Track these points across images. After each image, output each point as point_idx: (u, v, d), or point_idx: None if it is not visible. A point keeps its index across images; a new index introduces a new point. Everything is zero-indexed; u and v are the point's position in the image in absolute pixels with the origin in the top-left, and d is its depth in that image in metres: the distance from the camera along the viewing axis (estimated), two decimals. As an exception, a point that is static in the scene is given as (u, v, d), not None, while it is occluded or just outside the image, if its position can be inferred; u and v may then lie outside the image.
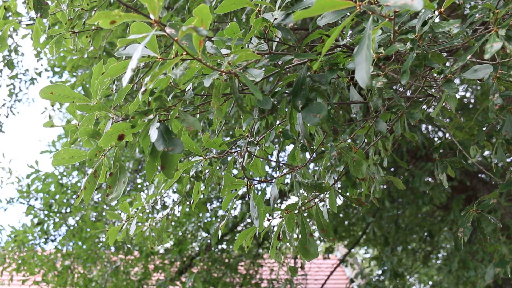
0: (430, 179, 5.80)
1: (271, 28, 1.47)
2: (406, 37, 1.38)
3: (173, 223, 5.88)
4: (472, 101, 6.61)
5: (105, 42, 3.28)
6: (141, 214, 2.25)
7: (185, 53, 1.09)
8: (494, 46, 1.23)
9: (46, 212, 6.30)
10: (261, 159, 1.89)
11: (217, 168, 1.90)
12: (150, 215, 2.37)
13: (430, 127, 6.46)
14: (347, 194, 2.00)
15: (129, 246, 5.91)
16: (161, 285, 5.86)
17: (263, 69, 1.37)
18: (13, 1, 2.49)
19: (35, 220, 6.30)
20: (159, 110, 1.34)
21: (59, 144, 6.75)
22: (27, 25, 2.69)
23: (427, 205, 6.08)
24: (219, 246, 6.41)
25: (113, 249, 6.15)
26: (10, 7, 2.50)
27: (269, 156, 4.44)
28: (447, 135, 5.66)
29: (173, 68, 1.19)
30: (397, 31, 1.40)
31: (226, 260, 6.40)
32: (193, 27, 0.93)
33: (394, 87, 3.66)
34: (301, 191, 1.81)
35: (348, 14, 1.19)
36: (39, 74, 6.46)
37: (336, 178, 1.86)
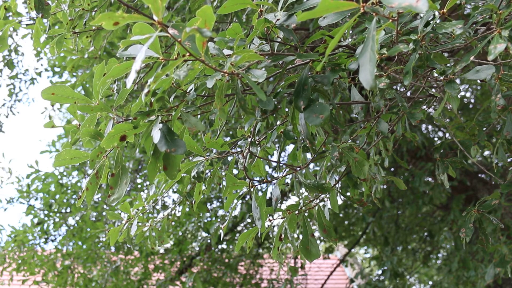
0: (430, 179, 5.80)
1: (273, 28, 1.46)
2: (409, 38, 1.38)
3: (173, 223, 5.87)
4: (472, 101, 6.61)
5: (106, 42, 3.28)
6: (141, 214, 2.25)
7: (187, 54, 1.09)
8: (498, 47, 1.22)
9: (46, 212, 6.29)
10: (262, 160, 1.89)
11: (218, 168, 1.89)
12: (150, 215, 2.36)
13: (430, 127, 6.46)
14: (348, 194, 1.99)
15: (129, 246, 5.91)
16: (161, 285, 5.86)
17: (263, 69, 1.36)
18: (13, 1, 2.49)
19: (35, 220, 6.29)
20: (161, 111, 1.33)
21: (59, 144, 6.74)
22: (27, 25, 2.68)
23: (427, 205, 6.08)
24: (219, 246, 6.41)
25: (113, 249, 6.14)
26: (10, 7, 2.50)
27: (270, 157, 4.43)
28: (447, 135, 5.66)
29: (175, 69, 1.18)
30: (399, 31, 1.39)
31: (226, 260, 6.40)
32: (197, 28, 0.93)
33: (394, 87, 3.66)
34: (302, 191, 1.80)
35: (349, 14, 1.19)
36: (39, 74, 6.46)
37: (337, 178, 1.85)
